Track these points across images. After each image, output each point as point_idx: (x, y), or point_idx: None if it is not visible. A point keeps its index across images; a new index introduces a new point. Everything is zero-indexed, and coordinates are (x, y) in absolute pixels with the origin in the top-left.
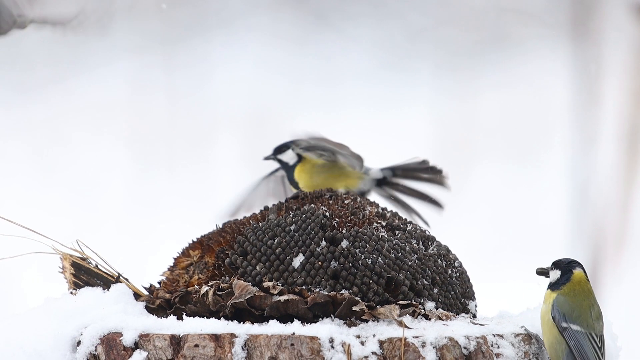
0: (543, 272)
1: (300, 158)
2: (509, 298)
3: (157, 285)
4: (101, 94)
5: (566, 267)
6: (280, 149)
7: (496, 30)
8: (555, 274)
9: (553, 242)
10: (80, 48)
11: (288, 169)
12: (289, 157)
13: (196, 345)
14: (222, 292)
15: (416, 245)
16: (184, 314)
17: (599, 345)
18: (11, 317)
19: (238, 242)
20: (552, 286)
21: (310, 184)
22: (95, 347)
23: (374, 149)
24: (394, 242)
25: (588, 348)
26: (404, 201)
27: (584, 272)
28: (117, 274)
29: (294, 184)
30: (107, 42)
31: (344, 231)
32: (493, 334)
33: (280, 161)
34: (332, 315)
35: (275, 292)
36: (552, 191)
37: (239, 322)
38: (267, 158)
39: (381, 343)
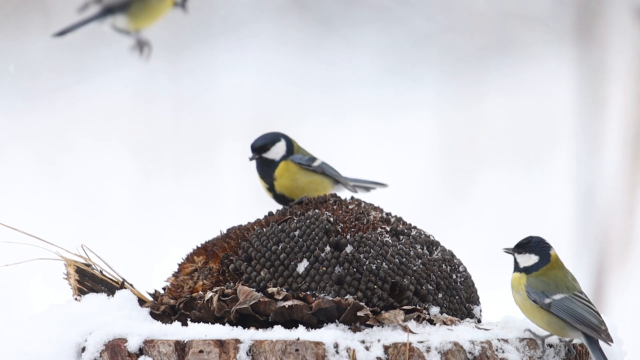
0: (509, 253)
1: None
2: (514, 303)
3: (162, 291)
4: (106, 101)
5: (542, 250)
6: (266, 147)
7: (501, 36)
8: (530, 258)
9: (558, 248)
10: (85, 55)
11: (269, 164)
12: (274, 153)
13: (201, 351)
14: (226, 298)
15: (420, 250)
16: (189, 319)
17: (588, 299)
18: (15, 324)
19: (242, 248)
20: (527, 269)
21: (290, 185)
22: (100, 353)
23: (379, 154)
24: (398, 247)
25: (580, 308)
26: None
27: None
28: (121, 280)
29: (269, 180)
30: (111, 49)
31: (348, 236)
32: (498, 339)
33: (262, 159)
34: (336, 321)
35: (280, 297)
36: (557, 196)
37: (244, 328)
38: (252, 159)
39: (386, 348)
